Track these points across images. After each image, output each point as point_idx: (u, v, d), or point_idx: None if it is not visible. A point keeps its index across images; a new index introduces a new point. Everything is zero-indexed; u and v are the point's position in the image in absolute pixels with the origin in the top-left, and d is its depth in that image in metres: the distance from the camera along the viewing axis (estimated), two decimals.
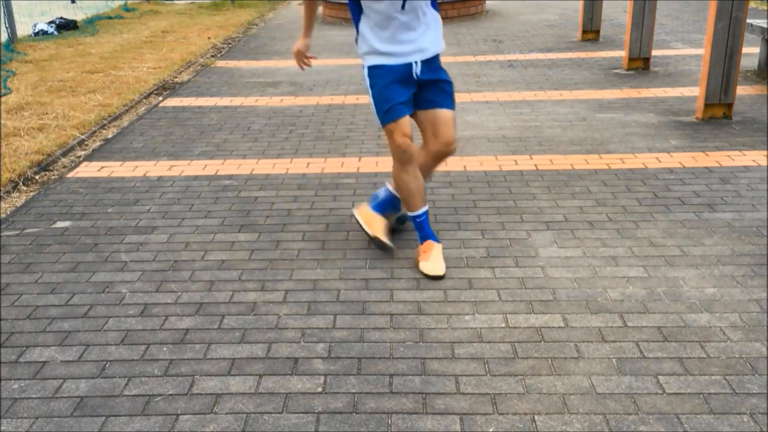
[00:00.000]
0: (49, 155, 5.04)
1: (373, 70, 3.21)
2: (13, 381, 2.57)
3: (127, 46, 9.18)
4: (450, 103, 3.31)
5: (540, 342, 2.73)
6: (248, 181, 4.50)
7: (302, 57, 3.52)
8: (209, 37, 9.85)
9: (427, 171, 3.44)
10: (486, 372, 2.55)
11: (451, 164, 4.70)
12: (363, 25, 3.20)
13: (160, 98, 6.69)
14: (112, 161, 4.96)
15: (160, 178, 4.59)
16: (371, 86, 3.24)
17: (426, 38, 3.18)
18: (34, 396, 2.48)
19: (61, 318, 2.97)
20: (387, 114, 3.19)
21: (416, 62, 3.17)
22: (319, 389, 2.48)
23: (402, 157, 3.25)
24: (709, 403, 2.36)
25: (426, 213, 3.41)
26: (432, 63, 3.24)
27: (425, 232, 3.40)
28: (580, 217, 3.83)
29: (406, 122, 3.22)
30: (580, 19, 8.98)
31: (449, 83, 3.32)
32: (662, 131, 5.28)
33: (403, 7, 3.06)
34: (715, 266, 3.27)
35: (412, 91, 3.24)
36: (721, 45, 5.32)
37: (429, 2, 3.19)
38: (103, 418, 2.36)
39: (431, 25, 3.21)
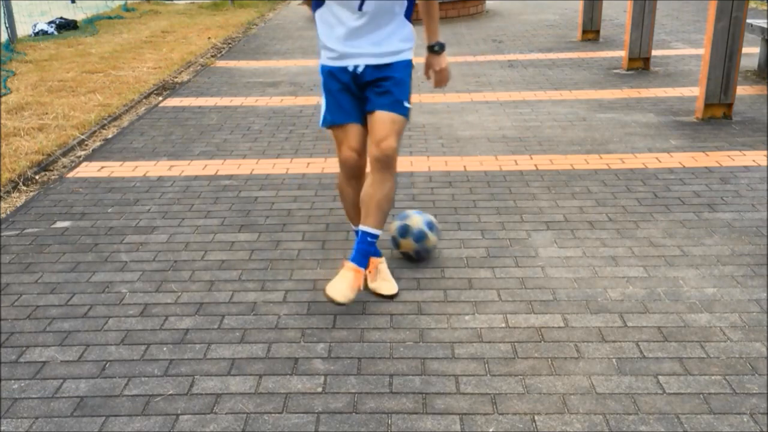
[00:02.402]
0: (49, 155, 5.03)
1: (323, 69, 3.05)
2: (13, 381, 2.57)
3: (127, 46, 9.18)
4: (385, 104, 2.97)
5: (540, 342, 2.73)
6: (248, 181, 4.50)
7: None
8: (209, 37, 9.85)
9: (370, 190, 3.02)
10: (486, 372, 2.55)
11: (451, 164, 4.70)
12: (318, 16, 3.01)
13: (160, 98, 6.69)
14: (112, 161, 4.96)
15: (160, 178, 4.59)
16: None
17: (384, 44, 2.95)
18: (34, 396, 2.48)
19: (61, 318, 2.97)
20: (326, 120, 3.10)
21: (359, 66, 2.96)
22: (319, 389, 2.48)
23: (345, 171, 3.12)
24: (709, 403, 2.36)
25: (361, 233, 3.05)
26: (383, 68, 2.99)
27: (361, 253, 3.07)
28: (580, 217, 3.83)
29: (353, 132, 3.05)
30: (580, 19, 8.98)
31: (392, 79, 2.98)
32: (662, 131, 5.28)
33: (360, 8, 2.85)
34: (715, 266, 3.27)
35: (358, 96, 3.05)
36: (721, 45, 5.32)
37: (403, 13, 2.95)
38: (103, 418, 2.36)
39: (396, 32, 2.97)
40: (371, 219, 3.00)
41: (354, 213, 3.24)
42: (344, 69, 2.99)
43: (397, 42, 2.97)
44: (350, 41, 2.94)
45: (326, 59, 3.04)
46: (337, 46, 2.97)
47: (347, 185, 3.18)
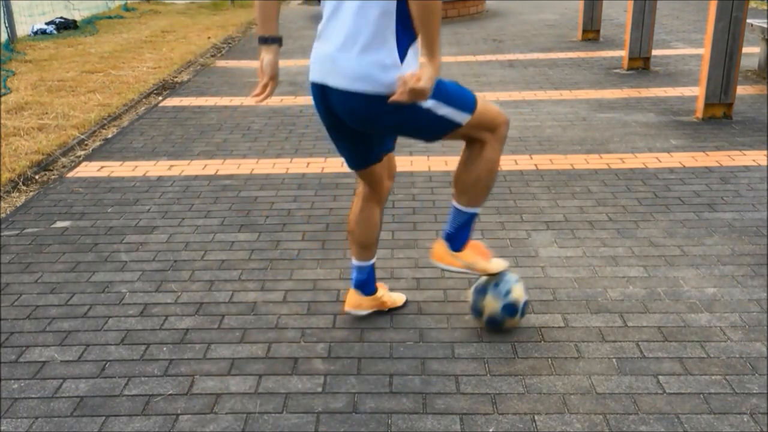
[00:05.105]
0: (49, 155, 5.03)
1: None
2: (13, 381, 2.57)
3: (127, 46, 9.17)
4: None
5: (540, 342, 2.73)
6: (248, 181, 4.50)
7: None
8: (209, 37, 9.85)
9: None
10: (486, 372, 2.55)
11: (451, 164, 4.70)
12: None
13: (160, 98, 6.68)
14: (112, 161, 4.95)
15: (159, 178, 4.59)
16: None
17: None
18: (34, 396, 2.48)
19: (61, 318, 2.97)
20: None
21: None
22: (319, 389, 2.48)
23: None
24: (709, 403, 2.36)
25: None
26: None
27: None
28: (580, 217, 3.83)
29: None
30: (580, 18, 8.98)
31: None
32: (662, 131, 5.28)
33: None
34: (715, 266, 3.27)
35: None
36: (721, 45, 5.32)
37: None
38: (103, 418, 2.36)
39: None
40: None
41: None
42: None
43: None
44: None
45: None
46: None
47: None
